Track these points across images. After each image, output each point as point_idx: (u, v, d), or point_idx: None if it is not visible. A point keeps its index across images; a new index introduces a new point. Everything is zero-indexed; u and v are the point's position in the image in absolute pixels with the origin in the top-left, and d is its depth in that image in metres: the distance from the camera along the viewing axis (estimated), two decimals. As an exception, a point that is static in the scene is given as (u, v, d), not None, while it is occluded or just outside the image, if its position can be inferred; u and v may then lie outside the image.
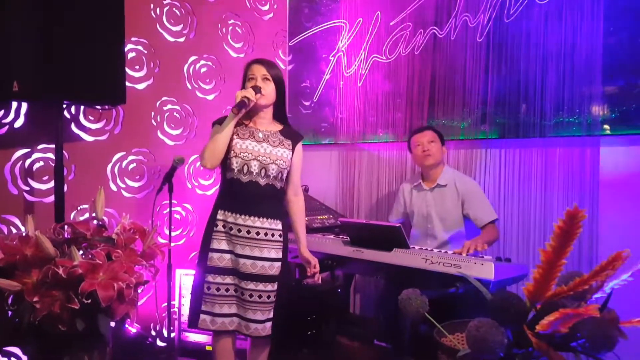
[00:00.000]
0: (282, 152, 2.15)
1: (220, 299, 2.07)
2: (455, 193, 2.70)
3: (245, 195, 2.09)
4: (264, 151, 2.11)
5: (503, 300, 1.23)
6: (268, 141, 2.15)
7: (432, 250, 2.34)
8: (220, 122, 2.10)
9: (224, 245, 2.09)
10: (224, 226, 2.10)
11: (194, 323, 2.09)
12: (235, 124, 2.08)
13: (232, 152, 2.08)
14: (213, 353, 2.17)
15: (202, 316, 2.07)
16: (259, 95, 2.07)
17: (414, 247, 2.38)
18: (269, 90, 2.13)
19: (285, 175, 2.19)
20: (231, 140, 2.08)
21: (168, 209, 2.46)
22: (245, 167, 2.08)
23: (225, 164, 2.11)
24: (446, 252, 2.34)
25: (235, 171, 2.08)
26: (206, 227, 2.15)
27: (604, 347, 1.14)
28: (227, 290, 2.08)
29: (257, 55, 3.25)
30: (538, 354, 1.19)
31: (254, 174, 2.09)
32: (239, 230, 2.08)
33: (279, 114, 2.24)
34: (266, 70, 2.14)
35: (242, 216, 2.09)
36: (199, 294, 2.09)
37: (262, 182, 2.10)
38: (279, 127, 2.23)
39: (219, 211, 2.12)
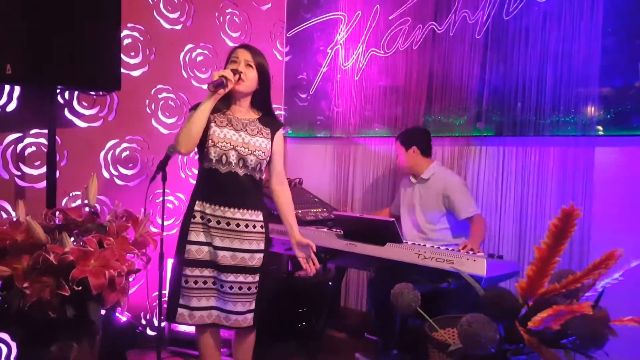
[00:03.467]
0: (260, 142, 2.09)
1: (198, 292, 2.02)
2: (436, 187, 2.79)
3: (223, 186, 2.03)
4: (242, 141, 2.05)
5: (496, 296, 1.24)
6: (246, 130, 2.08)
7: (424, 245, 2.35)
8: (196, 108, 2.01)
9: (202, 238, 2.04)
10: (201, 217, 2.05)
11: (171, 317, 2.04)
12: (212, 111, 2.00)
13: (210, 141, 2.01)
14: (198, 346, 2.15)
15: (180, 310, 2.02)
16: (237, 77, 1.99)
17: (407, 242, 2.38)
18: (250, 76, 2.06)
19: (264, 166, 2.12)
20: (209, 128, 2.01)
21: (161, 198, 2.44)
22: (224, 157, 2.01)
23: (202, 153, 2.04)
24: (439, 247, 2.35)
25: (214, 161, 2.02)
26: (183, 218, 2.09)
27: (594, 345, 1.15)
28: (204, 282, 2.03)
29: (254, 45, 3.22)
30: (529, 350, 1.19)
31: (233, 164, 2.03)
32: (218, 222, 2.03)
33: (259, 102, 2.16)
34: (250, 57, 2.06)
35: (221, 207, 2.03)
36: (176, 288, 2.04)
37: (241, 172, 2.04)
38: (257, 115, 2.16)
39: (197, 202, 2.06)
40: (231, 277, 2.02)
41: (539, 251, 1.20)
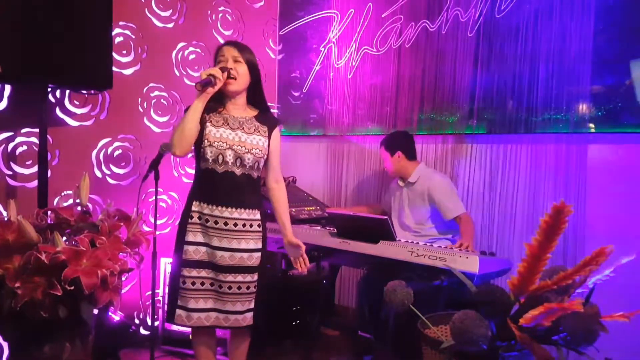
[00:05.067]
0: (257, 140, 2.07)
1: (195, 293, 2.01)
2: (422, 189, 2.82)
3: (221, 186, 2.02)
4: (238, 140, 2.03)
5: (488, 293, 1.25)
6: (243, 128, 2.06)
7: (417, 243, 2.36)
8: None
9: (199, 238, 2.03)
10: (199, 218, 2.03)
11: (170, 318, 2.04)
12: (208, 111, 2.00)
13: (206, 141, 1.99)
14: (193, 346, 2.14)
15: (178, 311, 2.01)
16: (226, 74, 1.97)
17: (399, 240, 2.39)
18: (241, 72, 2.03)
19: (261, 164, 2.11)
20: (205, 128, 2.00)
21: (154, 197, 2.43)
22: (220, 157, 2.00)
23: (199, 153, 2.03)
24: (431, 245, 2.36)
25: (210, 161, 2.00)
26: (181, 218, 2.08)
27: (585, 341, 1.16)
28: (202, 284, 2.02)
29: (246, 43, 3.23)
30: (521, 347, 1.20)
31: (230, 164, 2.01)
32: (216, 222, 2.02)
33: (254, 99, 2.15)
34: (238, 52, 2.04)
35: (219, 207, 2.02)
36: (175, 289, 2.03)
37: (238, 172, 2.03)
38: (254, 112, 2.14)
39: (194, 202, 2.04)
40: (230, 277, 2.01)
41: (530, 248, 1.21)
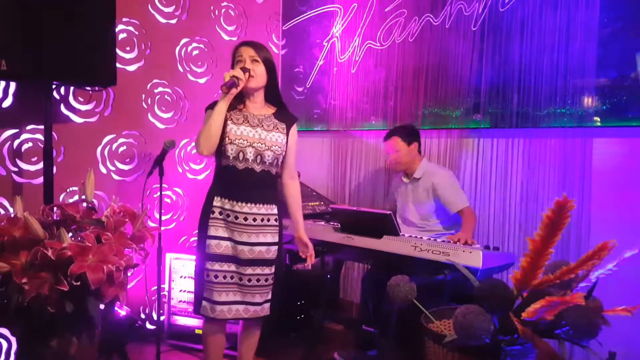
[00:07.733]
0: (276, 137, 2.13)
1: (220, 286, 2.07)
2: (427, 185, 2.81)
3: (241, 182, 2.08)
4: (258, 137, 2.09)
5: (490, 288, 1.25)
6: (262, 126, 2.12)
7: (421, 237, 2.36)
8: (212, 107, 2.07)
9: (221, 232, 2.08)
10: (220, 213, 2.09)
11: (197, 309, 2.11)
12: (228, 109, 2.05)
13: (227, 138, 2.05)
14: (204, 338, 2.18)
15: (203, 303, 2.08)
16: (247, 75, 2.03)
17: (403, 235, 2.40)
18: (259, 72, 2.09)
19: (280, 160, 2.17)
20: (226, 126, 2.06)
21: (158, 193, 2.45)
22: (241, 154, 2.06)
23: (219, 150, 2.08)
24: (435, 239, 2.36)
25: (231, 158, 2.06)
26: (202, 214, 2.13)
27: (588, 335, 1.16)
28: (224, 277, 2.08)
29: (250, 39, 3.22)
30: (523, 341, 1.21)
31: (250, 160, 2.07)
32: (236, 217, 2.07)
33: (271, 96, 2.21)
34: (254, 52, 2.10)
35: (239, 203, 2.08)
36: (200, 281, 2.10)
37: (258, 168, 2.09)
38: (272, 110, 2.20)
39: (215, 198, 2.10)
40: (249, 270, 2.09)
41: (532, 243, 1.21)
